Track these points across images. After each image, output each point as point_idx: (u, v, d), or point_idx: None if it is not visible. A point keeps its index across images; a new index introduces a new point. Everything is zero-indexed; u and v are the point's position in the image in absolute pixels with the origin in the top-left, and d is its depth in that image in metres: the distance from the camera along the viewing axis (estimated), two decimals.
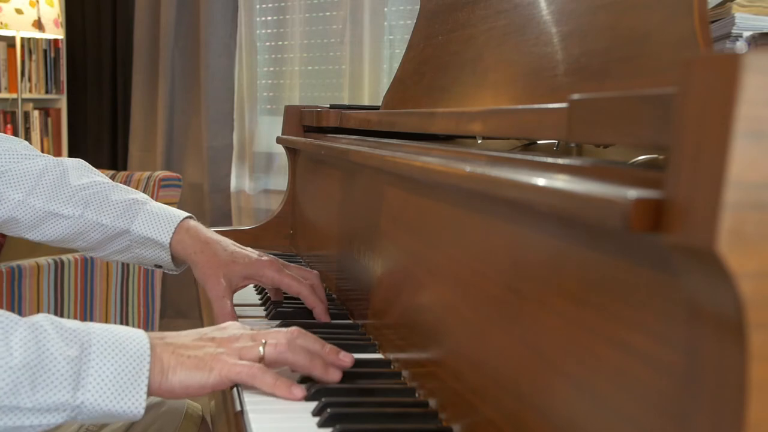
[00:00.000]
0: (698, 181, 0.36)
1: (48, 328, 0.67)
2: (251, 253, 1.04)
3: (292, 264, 1.08)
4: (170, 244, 1.03)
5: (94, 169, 1.11)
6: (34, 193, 1.04)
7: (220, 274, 1.00)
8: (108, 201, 1.05)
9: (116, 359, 0.68)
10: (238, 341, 0.77)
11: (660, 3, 0.67)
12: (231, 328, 0.79)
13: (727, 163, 0.34)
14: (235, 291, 1.02)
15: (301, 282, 1.03)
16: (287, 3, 3.13)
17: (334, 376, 0.78)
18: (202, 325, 1.09)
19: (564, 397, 0.51)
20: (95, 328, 0.69)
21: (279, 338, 0.77)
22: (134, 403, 0.68)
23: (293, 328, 0.81)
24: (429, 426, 0.71)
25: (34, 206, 1.04)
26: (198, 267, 1.02)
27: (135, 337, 0.70)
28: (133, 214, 1.04)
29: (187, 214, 1.06)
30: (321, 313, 1.04)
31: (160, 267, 1.09)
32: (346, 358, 0.81)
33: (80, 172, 1.08)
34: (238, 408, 0.74)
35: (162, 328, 2.68)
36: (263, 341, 0.76)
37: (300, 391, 0.75)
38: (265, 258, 1.04)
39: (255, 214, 3.16)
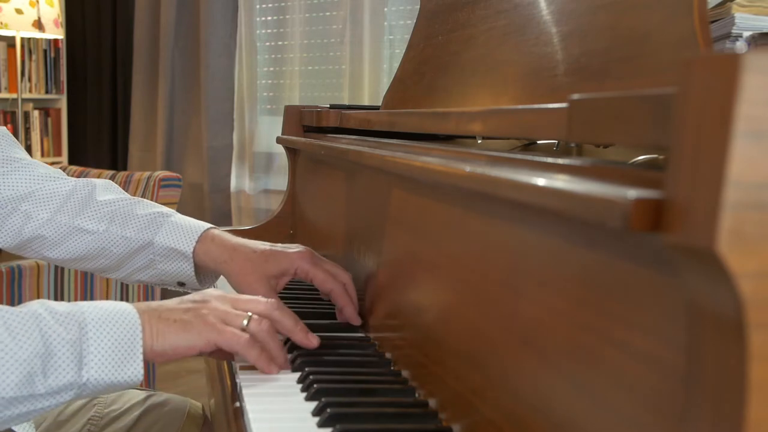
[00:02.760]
0: (698, 181, 0.36)
1: (46, 316, 0.70)
2: (284, 247, 1.01)
3: (326, 259, 1.03)
4: (194, 253, 1.01)
5: (120, 189, 1.11)
6: (62, 210, 1.05)
7: (256, 277, 0.97)
8: (133, 215, 1.04)
9: (111, 334, 0.71)
10: (223, 306, 0.80)
11: (660, 3, 0.67)
12: (211, 295, 0.82)
13: (727, 163, 0.34)
14: (277, 290, 0.99)
15: (334, 279, 0.99)
16: (287, 3, 3.13)
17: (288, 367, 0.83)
18: None
19: (564, 397, 0.51)
20: (85, 307, 0.73)
21: (261, 313, 0.81)
22: (133, 372, 0.72)
23: (272, 301, 0.84)
24: (429, 426, 0.71)
25: (61, 222, 1.04)
26: (231, 275, 0.99)
27: (123, 311, 0.74)
28: (157, 226, 1.02)
29: (210, 225, 1.03)
30: (351, 315, 0.99)
31: (183, 285, 1.06)
32: (314, 340, 0.86)
33: (107, 189, 1.08)
34: (238, 408, 0.74)
35: None
36: (248, 314, 0.80)
37: (276, 369, 0.80)
38: (297, 250, 1.00)
39: (255, 214, 3.16)
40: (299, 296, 1.16)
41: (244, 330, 0.79)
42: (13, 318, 0.68)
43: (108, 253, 1.05)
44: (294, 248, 1.00)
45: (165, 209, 1.06)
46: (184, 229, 1.02)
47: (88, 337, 0.70)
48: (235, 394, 0.78)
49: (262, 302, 0.83)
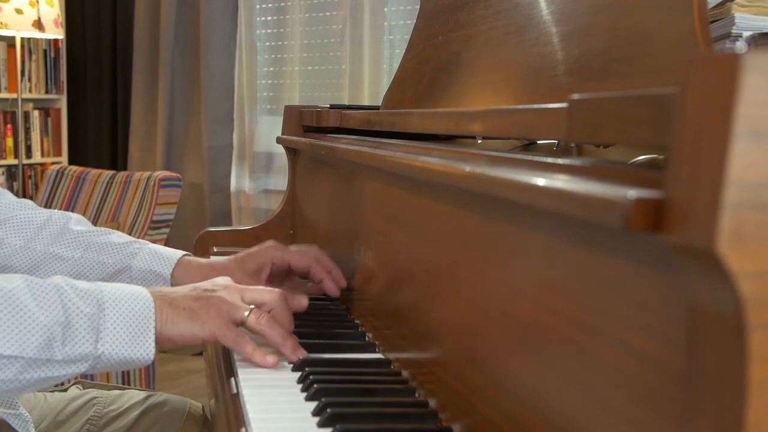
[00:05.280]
0: (698, 181, 0.36)
1: (67, 290, 0.75)
2: (251, 249, 1.08)
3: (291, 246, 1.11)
4: (172, 276, 1.05)
5: (91, 224, 1.13)
6: (37, 239, 1.06)
7: (238, 277, 1.01)
8: (110, 242, 1.07)
9: (126, 314, 0.76)
10: (230, 297, 0.84)
11: (660, 3, 0.67)
12: (220, 284, 0.87)
13: (727, 163, 0.34)
14: (261, 283, 1.04)
15: (307, 256, 1.07)
16: (287, 3, 3.13)
17: (295, 357, 0.85)
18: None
19: (564, 397, 0.51)
20: (104, 287, 0.78)
21: (264, 307, 0.85)
22: (145, 351, 0.77)
23: (278, 293, 0.87)
24: (429, 426, 0.71)
25: (35, 250, 1.06)
26: None
27: (139, 293, 0.79)
28: (134, 252, 1.06)
29: (185, 252, 1.09)
30: (329, 286, 1.07)
31: None
32: (300, 354, 0.86)
33: (81, 222, 1.10)
34: (239, 408, 0.74)
35: None
36: (251, 307, 0.84)
37: (273, 358, 0.84)
38: (266, 244, 1.08)
39: (255, 214, 3.16)
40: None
41: (243, 321, 0.83)
42: (38, 286, 0.73)
43: (85, 277, 1.06)
44: (263, 244, 1.08)
45: (140, 240, 1.10)
46: (161, 255, 1.06)
47: (105, 314, 0.75)
48: (236, 394, 0.78)
49: (267, 293, 0.87)
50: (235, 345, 0.83)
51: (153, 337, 0.77)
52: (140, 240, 1.10)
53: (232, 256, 1.08)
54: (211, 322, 0.81)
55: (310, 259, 1.07)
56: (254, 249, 1.08)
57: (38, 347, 0.70)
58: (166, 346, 0.81)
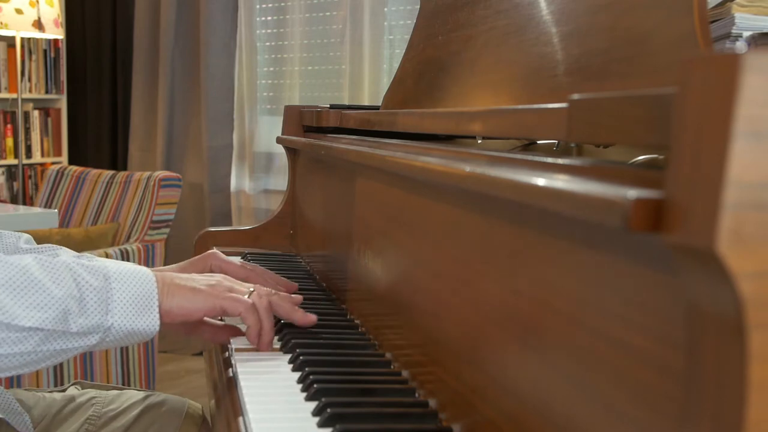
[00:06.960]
0: (698, 181, 0.36)
1: (75, 267, 0.79)
2: (193, 258, 1.12)
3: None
4: None
5: None
6: None
7: None
8: (57, 255, 1.05)
9: (131, 287, 0.81)
10: (228, 281, 0.90)
11: (660, 3, 0.67)
12: (217, 275, 0.92)
13: (727, 163, 0.34)
14: None
15: (245, 267, 1.08)
16: (287, 3, 3.13)
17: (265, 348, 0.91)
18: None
19: (564, 397, 0.51)
20: (107, 263, 0.83)
21: (263, 295, 0.90)
22: (151, 322, 0.81)
23: (269, 289, 0.93)
24: (429, 426, 0.71)
25: None
26: None
27: (141, 270, 0.83)
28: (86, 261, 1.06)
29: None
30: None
31: None
32: (312, 317, 0.95)
33: (31, 242, 1.09)
34: (238, 408, 0.74)
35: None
36: (251, 289, 0.89)
37: (262, 344, 0.89)
38: (207, 252, 1.11)
39: (255, 214, 3.16)
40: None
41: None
42: (48, 263, 0.77)
43: None
44: (205, 253, 1.12)
45: (86, 254, 1.09)
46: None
47: (112, 287, 0.79)
48: (235, 394, 0.78)
49: (263, 287, 0.93)
50: (244, 310, 0.86)
51: (157, 309, 0.81)
52: (87, 254, 1.08)
53: (175, 264, 1.10)
54: (215, 296, 0.85)
55: (247, 270, 1.07)
56: (196, 258, 1.11)
57: (56, 319, 0.74)
58: (166, 321, 0.83)
